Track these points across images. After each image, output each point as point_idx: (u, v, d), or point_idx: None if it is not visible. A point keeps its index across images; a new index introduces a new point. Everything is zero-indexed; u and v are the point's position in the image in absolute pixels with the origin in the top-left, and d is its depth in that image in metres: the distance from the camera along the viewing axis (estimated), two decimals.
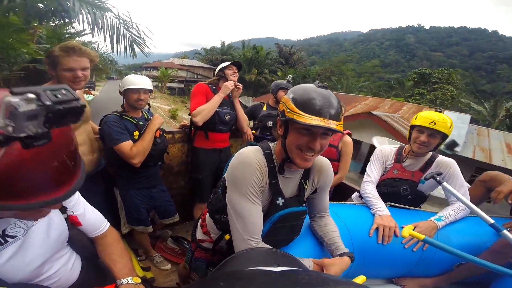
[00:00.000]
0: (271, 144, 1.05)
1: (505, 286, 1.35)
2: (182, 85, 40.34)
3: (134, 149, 1.69)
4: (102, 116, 1.77)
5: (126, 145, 1.67)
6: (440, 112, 1.54)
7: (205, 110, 2.04)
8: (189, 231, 2.54)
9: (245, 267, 0.38)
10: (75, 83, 1.50)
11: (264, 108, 2.81)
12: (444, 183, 1.31)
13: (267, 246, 0.95)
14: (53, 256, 0.86)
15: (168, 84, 37.97)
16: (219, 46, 43.74)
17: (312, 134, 0.86)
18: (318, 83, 0.90)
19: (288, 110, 0.87)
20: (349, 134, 2.20)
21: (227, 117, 2.23)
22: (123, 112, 1.80)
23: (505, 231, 1.12)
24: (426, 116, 1.52)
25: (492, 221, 1.15)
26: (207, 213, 1.19)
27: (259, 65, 33.43)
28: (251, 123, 2.81)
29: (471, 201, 1.39)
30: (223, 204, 1.03)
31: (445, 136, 1.51)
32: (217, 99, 2.10)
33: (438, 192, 1.67)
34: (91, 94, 20.62)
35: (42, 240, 0.81)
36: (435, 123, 1.47)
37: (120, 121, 1.73)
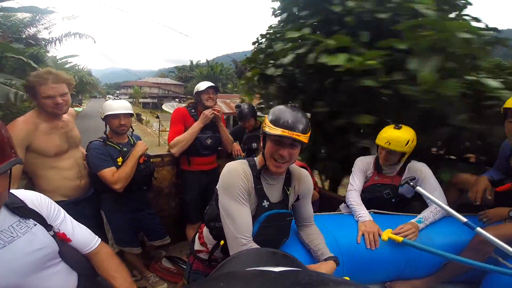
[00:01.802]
0: (256, 158, 1.22)
1: (495, 280, 1.35)
2: (155, 100, 49.91)
3: (116, 175, 1.72)
4: (88, 140, 1.80)
5: (108, 172, 1.71)
6: (398, 129, 1.57)
7: (183, 142, 2.03)
8: (182, 251, 2.57)
9: (245, 267, 0.39)
10: (58, 109, 1.54)
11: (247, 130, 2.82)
12: (418, 187, 1.38)
13: (257, 246, 1.06)
14: (41, 272, 0.87)
15: (142, 100, 48.28)
16: (188, 63, 53.01)
17: (281, 144, 1.05)
18: (290, 104, 1.14)
19: (265, 125, 1.07)
20: (304, 167, 1.96)
21: (209, 141, 2.24)
22: (106, 139, 1.82)
23: (479, 228, 1.14)
24: (383, 136, 1.59)
25: (465, 219, 1.18)
26: (204, 225, 1.32)
27: (214, 80, 42.17)
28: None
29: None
30: (217, 213, 1.15)
31: (403, 153, 1.57)
32: (196, 128, 2.11)
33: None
34: (80, 107, 27.37)
35: (21, 256, 0.81)
36: (389, 143, 1.54)
37: (103, 148, 1.76)
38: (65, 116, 1.71)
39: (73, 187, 1.71)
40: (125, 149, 1.85)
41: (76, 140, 1.78)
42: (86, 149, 1.79)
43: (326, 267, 1.14)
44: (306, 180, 1.27)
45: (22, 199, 0.88)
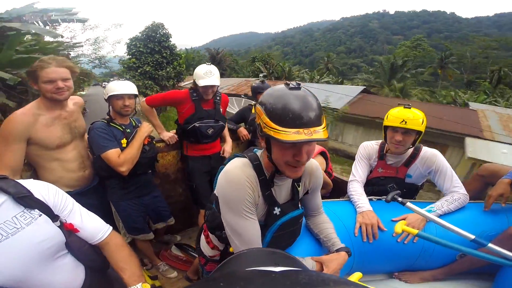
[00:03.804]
0: (258, 153, 1.01)
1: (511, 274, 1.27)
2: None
3: (122, 157, 1.65)
4: (90, 123, 1.73)
5: (114, 153, 1.64)
6: (409, 108, 1.48)
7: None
8: (192, 238, 2.53)
9: (245, 267, 0.39)
10: (58, 94, 1.47)
11: (253, 111, 2.73)
12: (408, 203, 1.20)
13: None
14: (47, 264, 0.85)
15: None
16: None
17: (296, 147, 0.81)
18: (289, 84, 0.81)
19: (264, 125, 0.80)
20: (323, 153, 1.87)
21: (210, 131, 2.14)
22: (110, 120, 1.75)
23: (490, 245, 1.05)
24: (396, 115, 1.46)
25: (472, 237, 1.06)
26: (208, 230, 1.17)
27: (187, 66, 42.01)
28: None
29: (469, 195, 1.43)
30: (219, 221, 0.99)
31: (419, 132, 1.47)
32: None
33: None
34: (83, 91, 27.52)
35: (26, 247, 0.80)
36: (406, 122, 1.43)
37: (108, 128, 1.69)
38: (70, 105, 1.65)
39: (77, 178, 1.67)
40: (128, 130, 1.79)
41: (81, 130, 1.72)
42: (88, 130, 1.71)
43: (338, 259, 1.06)
44: (318, 174, 1.13)
45: (29, 189, 0.86)
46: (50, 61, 1.44)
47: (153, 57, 15.98)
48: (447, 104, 18.38)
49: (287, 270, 0.34)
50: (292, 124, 0.75)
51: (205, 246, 1.25)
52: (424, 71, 37.30)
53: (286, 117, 0.75)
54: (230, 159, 1.02)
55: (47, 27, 6.01)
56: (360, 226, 1.35)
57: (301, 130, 0.75)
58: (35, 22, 5.74)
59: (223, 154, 2.30)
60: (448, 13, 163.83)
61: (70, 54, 10.78)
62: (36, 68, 1.42)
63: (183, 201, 2.52)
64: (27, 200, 0.83)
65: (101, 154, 1.64)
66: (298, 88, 0.79)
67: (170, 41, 16.59)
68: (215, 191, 1.02)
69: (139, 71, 15.78)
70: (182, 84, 18.96)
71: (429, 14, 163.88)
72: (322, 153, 1.85)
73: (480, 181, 1.67)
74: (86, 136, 1.80)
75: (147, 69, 15.82)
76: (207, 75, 1.98)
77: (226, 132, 2.37)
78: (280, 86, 0.82)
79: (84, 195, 1.67)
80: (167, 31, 16.33)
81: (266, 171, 0.97)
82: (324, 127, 0.79)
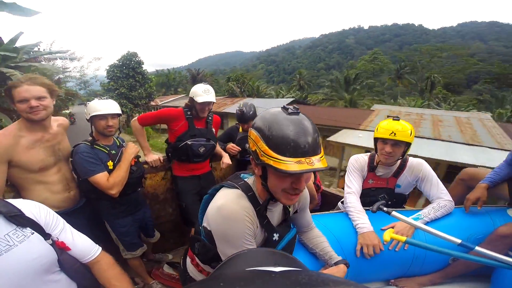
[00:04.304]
0: (249, 181, 0.98)
1: (506, 275, 1.31)
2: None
3: (111, 180, 1.63)
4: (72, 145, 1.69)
5: (102, 177, 1.61)
6: (397, 120, 1.55)
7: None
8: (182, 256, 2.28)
9: (245, 267, 0.39)
10: (33, 114, 1.40)
11: (240, 130, 2.74)
12: (393, 212, 1.25)
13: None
14: (40, 282, 0.85)
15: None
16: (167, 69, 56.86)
17: (295, 176, 0.79)
18: (288, 109, 0.78)
19: (262, 153, 0.77)
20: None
21: (202, 149, 2.16)
22: (93, 141, 1.69)
23: (477, 247, 1.07)
24: (386, 128, 1.52)
25: (459, 241, 1.09)
26: (199, 260, 1.13)
27: (168, 86, 45.67)
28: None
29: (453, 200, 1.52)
30: (214, 253, 0.96)
31: (408, 143, 1.52)
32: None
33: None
34: (67, 110, 29.47)
35: (19, 265, 0.80)
36: (395, 134, 1.49)
37: (92, 151, 1.64)
38: (53, 127, 1.61)
39: (62, 199, 1.65)
40: (113, 151, 1.76)
41: (65, 153, 1.68)
42: (71, 153, 1.66)
43: (338, 272, 1.08)
44: (305, 193, 1.15)
45: (19, 208, 0.86)
46: (23, 79, 1.39)
47: (128, 80, 19.64)
48: (353, 108, 22.93)
49: (287, 270, 0.34)
50: (293, 154, 0.72)
51: (197, 274, 1.17)
52: (374, 82, 41.44)
53: (287, 145, 0.73)
54: (216, 189, 1.00)
55: (49, 63, 9.44)
56: (362, 246, 1.37)
57: (302, 159, 0.72)
58: (41, 61, 9.09)
59: (222, 166, 2.32)
60: (416, 25, 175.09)
61: (61, 78, 14.07)
62: (10, 87, 1.38)
63: (173, 221, 2.54)
64: (18, 219, 0.84)
65: (89, 178, 1.60)
66: (297, 113, 0.77)
67: (142, 67, 20.25)
68: (204, 224, 1.00)
69: (116, 92, 19.25)
70: (153, 103, 22.51)
71: (399, 27, 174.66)
72: None
73: (462, 185, 1.77)
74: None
75: (123, 91, 19.47)
76: (205, 92, 2.03)
77: (219, 148, 2.40)
78: (277, 110, 0.79)
79: (71, 215, 1.64)
80: (140, 59, 20.16)
81: (260, 199, 0.94)
82: (322, 155, 0.77)
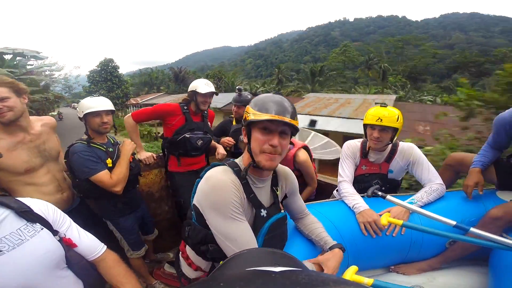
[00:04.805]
0: (237, 160, 1.07)
1: (502, 255, 1.33)
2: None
3: (114, 177, 1.64)
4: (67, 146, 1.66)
5: (105, 174, 1.61)
6: (385, 106, 1.60)
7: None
8: None
9: (245, 267, 0.38)
10: None
11: (234, 123, 2.78)
12: (388, 196, 1.30)
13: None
14: (48, 277, 0.87)
15: None
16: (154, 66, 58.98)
17: (271, 133, 0.94)
18: (274, 92, 1.05)
19: (248, 115, 0.96)
20: (306, 148, 2.07)
21: (200, 142, 2.19)
22: (89, 140, 1.68)
23: (472, 228, 1.10)
24: (373, 114, 1.58)
25: (454, 223, 1.12)
26: (187, 248, 1.16)
27: (150, 85, 48.64)
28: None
29: None
30: (204, 234, 1.00)
31: (396, 129, 1.57)
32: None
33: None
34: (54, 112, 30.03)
35: (30, 259, 0.82)
36: (381, 120, 1.54)
37: (90, 150, 1.63)
38: (36, 127, 1.58)
39: (55, 201, 1.60)
40: (110, 149, 1.75)
41: (52, 152, 1.64)
42: (67, 154, 1.62)
43: (334, 256, 1.10)
44: (292, 177, 1.23)
45: (28, 205, 0.90)
46: None
47: (106, 83, 22.66)
48: (289, 96, 26.23)
49: (287, 270, 0.34)
50: (269, 111, 0.91)
51: (187, 270, 1.18)
52: (336, 74, 44.58)
53: (266, 107, 0.92)
54: (207, 169, 1.05)
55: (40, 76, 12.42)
56: (364, 225, 1.40)
57: (276, 116, 0.90)
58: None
59: (217, 156, 2.35)
60: (400, 17, 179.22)
61: (48, 84, 17.01)
62: None
63: (170, 219, 2.52)
64: (28, 215, 0.87)
65: (91, 177, 1.59)
66: (279, 93, 1.02)
67: (118, 71, 23.31)
68: (194, 202, 1.03)
69: (96, 94, 22.16)
70: (133, 101, 25.58)
71: (383, 19, 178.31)
72: (305, 148, 2.06)
73: (450, 171, 1.79)
74: (61, 158, 1.74)
75: (102, 92, 22.44)
76: (207, 85, 2.16)
77: (213, 142, 2.43)
78: (267, 94, 1.01)
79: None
80: (116, 64, 23.10)
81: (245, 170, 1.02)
82: (297, 122, 0.95)
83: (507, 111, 1.49)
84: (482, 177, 1.54)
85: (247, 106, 0.99)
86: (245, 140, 1.02)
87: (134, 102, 26.11)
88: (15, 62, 9.97)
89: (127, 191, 1.79)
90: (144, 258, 2.19)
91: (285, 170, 1.22)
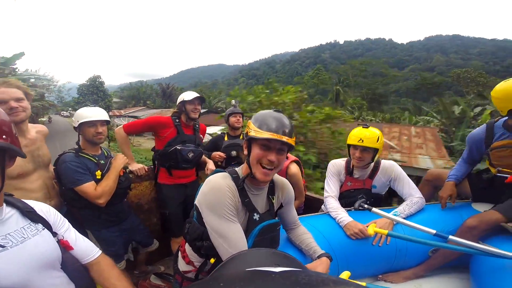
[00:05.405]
0: (237, 168, 1.19)
1: (481, 262, 1.42)
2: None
3: (99, 189, 1.64)
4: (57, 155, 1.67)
5: (90, 186, 1.61)
6: (366, 127, 1.71)
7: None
8: (170, 267, 2.33)
9: (245, 268, 0.39)
10: (13, 115, 1.42)
11: (226, 139, 2.84)
12: (374, 209, 1.45)
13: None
14: (45, 276, 0.88)
15: None
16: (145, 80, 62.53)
17: (269, 149, 1.04)
18: (274, 109, 1.12)
19: (250, 130, 1.05)
20: (297, 162, 2.17)
21: (191, 155, 2.20)
22: (78, 150, 1.69)
23: (451, 236, 1.20)
24: (356, 135, 1.70)
25: (434, 231, 1.23)
26: (186, 243, 1.25)
27: (138, 99, 52.00)
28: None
29: None
30: (201, 231, 1.10)
31: (376, 149, 1.68)
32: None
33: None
34: (43, 118, 29.61)
35: (31, 256, 0.84)
36: (362, 141, 1.65)
37: (80, 160, 1.64)
38: (31, 133, 1.62)
39: None
40: (102, 161, 1.76)
41: (45, 159, 1.67)
42: (57, 162, 1.65)
43: (321, 264, 1.19)
44: (289, 188, 1.32)
45: (32, 206, 0.94)
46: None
47: (93, 96, 26.72)
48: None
49: (286, 271, 0.34)
50: (269, 129, 1.01)
51: (180, 262, 1.28)
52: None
53: (266, 124, 1.02)
54: (211, 174, 1.16)
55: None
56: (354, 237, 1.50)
57: (275, 134, 1.00)
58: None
59: (207, 171, 2.33)
60: (386, 39, 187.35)
61: (44, 93, 18.33)
62: None
63: (158, 231, 2.49)
64: (31, 215, 0.91)
65: (76, 188, 1.60)
66: (279, 111, 1.10)
67: (104, 86, 27.80)
68: (195, 202, 1.13)
69: (83, 105, 26.70)
70: (115, 113, 29.91)
71: (371, 42, 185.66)
72: (296, 162, 2.16)
73: (429, 185, 1.94)
74: (51, 166, 1.76)
75: (88, 104, 26.75)
76: (193, 93, 2.24)
77: (204, 157, 2.43)
78: (268, 110, 1.12)
79: None
80: (102, 80, 27.46)
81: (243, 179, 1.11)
82: (293, 139, 1.06)
83: (478, 128, 1.66)
84: (455, 190, 1.73)
85: (249, 121, 1.11)
86: (246, 152, 1.13)
87: (117, 114, 30.20)
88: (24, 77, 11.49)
89: (112, 205, 1.79)
90: (135, 269, 2.28)
91: (282, 181, 1.32)
